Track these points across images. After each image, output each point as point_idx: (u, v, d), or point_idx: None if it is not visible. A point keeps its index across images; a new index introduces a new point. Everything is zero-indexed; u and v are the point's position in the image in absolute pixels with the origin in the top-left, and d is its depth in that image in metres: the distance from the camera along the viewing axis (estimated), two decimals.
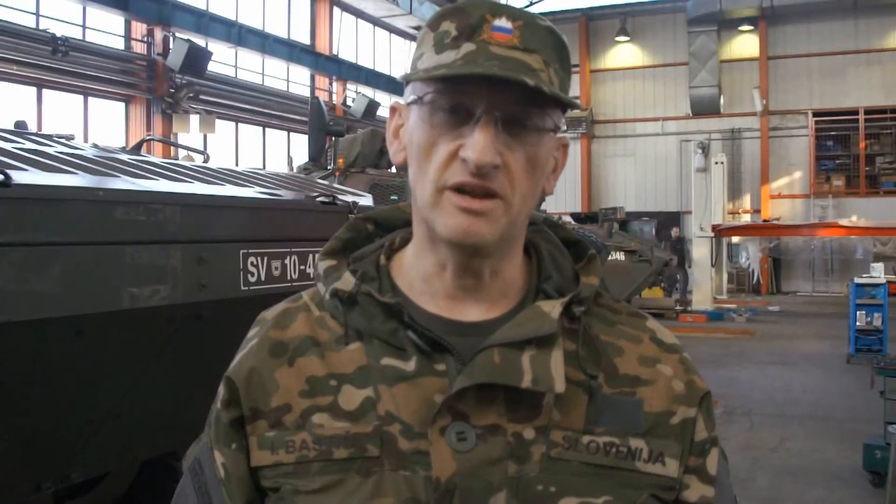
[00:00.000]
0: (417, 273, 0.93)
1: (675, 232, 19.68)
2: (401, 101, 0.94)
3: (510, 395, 0.86)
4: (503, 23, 0.84)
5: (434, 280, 0.92)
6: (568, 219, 14.70)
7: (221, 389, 0.95)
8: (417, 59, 0.89)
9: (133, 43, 15.11)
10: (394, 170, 8.50)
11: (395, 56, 23.96)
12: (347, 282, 0.93)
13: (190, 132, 15.42)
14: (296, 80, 19.81)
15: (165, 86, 14.98)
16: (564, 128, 0.91)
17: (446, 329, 0.89)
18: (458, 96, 0.84)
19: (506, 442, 0.85)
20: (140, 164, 2.88)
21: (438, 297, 0.92)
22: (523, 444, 0.86)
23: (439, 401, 0.85)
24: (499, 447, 0.85)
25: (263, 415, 0.91)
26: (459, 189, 0.84)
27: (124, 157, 3.04)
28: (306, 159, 8.92)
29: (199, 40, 15.65)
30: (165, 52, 14.96)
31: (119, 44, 14.98)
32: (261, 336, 0.95)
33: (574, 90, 20.91)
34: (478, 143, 0.82)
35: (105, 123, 14.66)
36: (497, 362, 0.85)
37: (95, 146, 3.32)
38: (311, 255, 3.03)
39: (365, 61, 22.22)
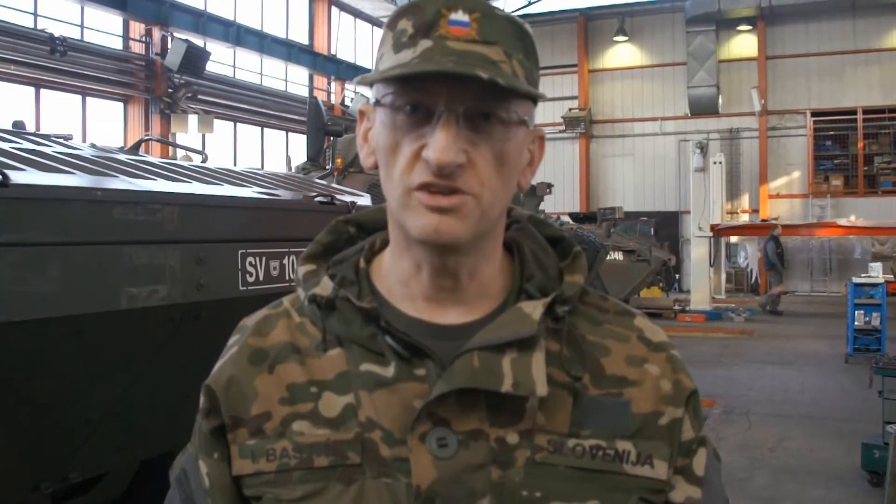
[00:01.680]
0: (395, 276, 0.91)
1: (778, 230, 17.36)
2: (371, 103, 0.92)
3: (492, 400, 0.84)
4: (460, 16, 0.82)
5: (412, 282, 0.90)
6: (567, 219, 14.71)
7: (202, 398, 0.94)
8: (378, 60, 0.87)
9: (131, 43, 15.09)
10: None
11: None
12: (326, 287, 0.91)
13: (188, 132, 15.41)
14: (294, 79, 19.80)
15: (164, 86, 14.97)
16: (531, 118, 0.87)
17: (426, 332, 0.88)
18: (417, 95, 0.82)
19: (489, 447, 0.84)
20: (138, 164, 2.88)
21: (417, 300, 0.90)
22: (507, 449, 0.84)
23: (419, 406, 0.83)
24: (481, 453, 0.84)
25: (244, 423, 0.90)
26: (426, 188, 0.82)
27: (122, 157, 3.03)
28: (304, 159, 8.90)
29: (198, 40, 15.63)
30: (164, 52, 14.94)
31: (117, 44, 14.96)
32: (240, 344, 0.94)
33: (572, 90, 20.77)
34: (438, 143, 0.80)
35: (103, 123, 14.64)
36: (476, 366, 0.83)
37: (93, 146, 3.32)
38: None
39: (363, 61, 22.19)
